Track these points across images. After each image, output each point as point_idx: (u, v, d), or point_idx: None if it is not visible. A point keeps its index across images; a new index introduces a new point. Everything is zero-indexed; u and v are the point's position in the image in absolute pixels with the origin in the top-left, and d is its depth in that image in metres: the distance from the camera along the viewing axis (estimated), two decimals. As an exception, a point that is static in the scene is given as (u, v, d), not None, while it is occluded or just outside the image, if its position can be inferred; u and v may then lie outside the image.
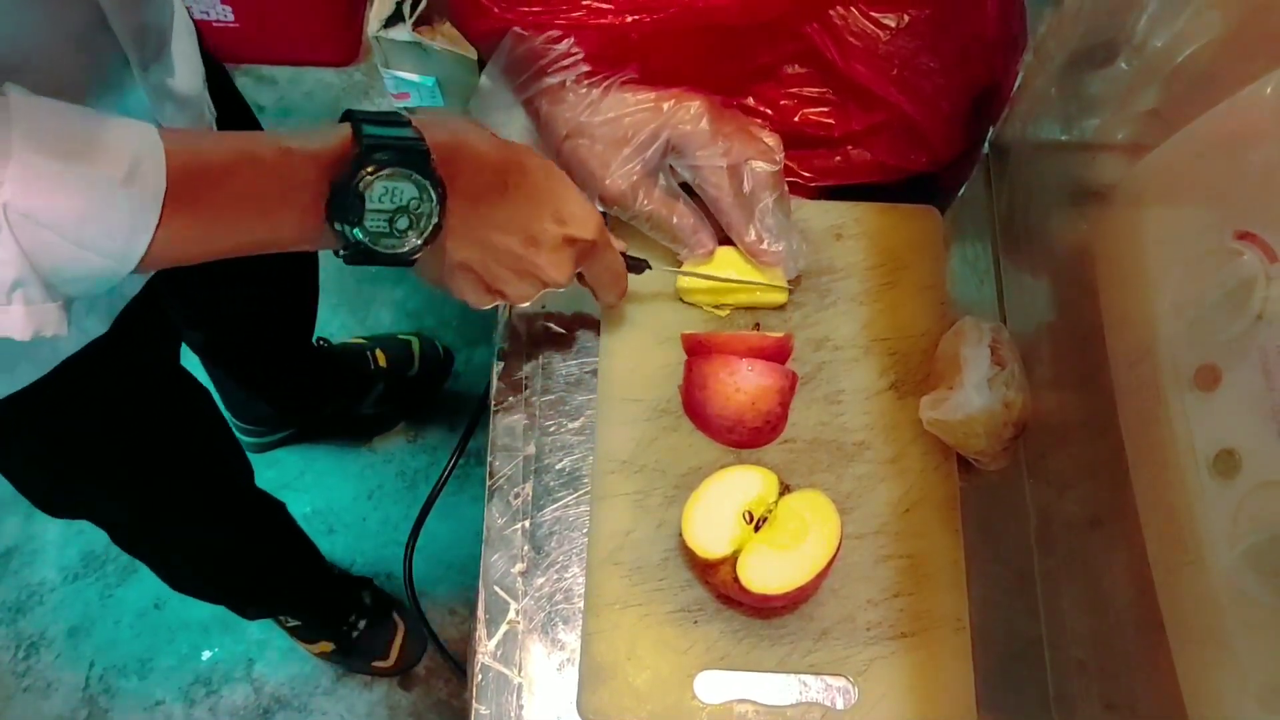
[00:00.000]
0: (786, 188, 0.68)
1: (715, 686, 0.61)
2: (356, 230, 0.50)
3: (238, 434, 1.53)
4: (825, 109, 0.67)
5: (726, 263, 0.69)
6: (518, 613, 0.64)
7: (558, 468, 0.68)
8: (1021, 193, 0.74)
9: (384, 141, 0.50)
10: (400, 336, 1.57)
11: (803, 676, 0.62)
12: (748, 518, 0.61)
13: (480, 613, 0.64)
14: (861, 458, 0.66)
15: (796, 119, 0.68)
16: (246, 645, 1.46)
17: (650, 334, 0.70)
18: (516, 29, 0.63)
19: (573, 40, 0.63)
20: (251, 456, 1.55)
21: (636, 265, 0.67)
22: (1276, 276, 0.52)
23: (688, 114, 0.65)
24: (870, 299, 0.71)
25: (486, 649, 0.64)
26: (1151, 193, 0.61)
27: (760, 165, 0.66)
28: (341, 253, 0.52)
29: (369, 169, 0.49)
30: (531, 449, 0.68)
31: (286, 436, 1.55)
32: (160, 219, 0.46)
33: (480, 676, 0.63)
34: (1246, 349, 0.52)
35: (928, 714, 0.61)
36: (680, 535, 0.62)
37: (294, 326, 1.27)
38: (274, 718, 1.43)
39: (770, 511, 0.61)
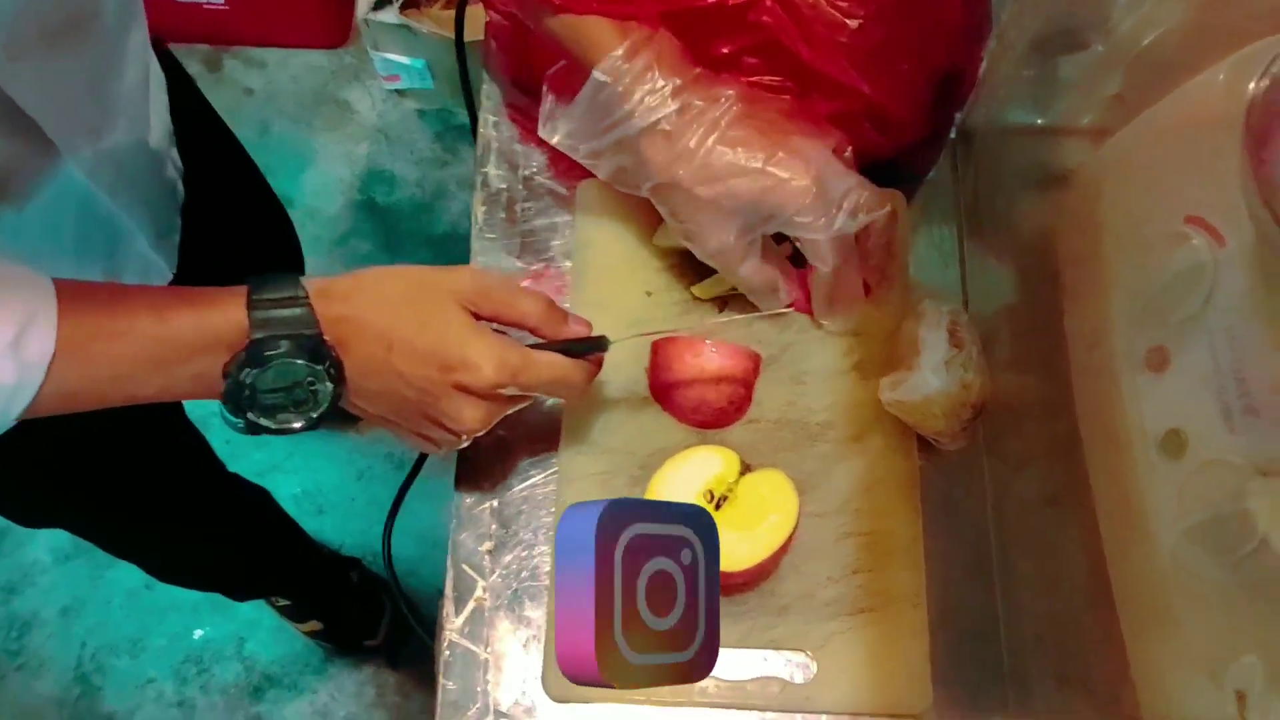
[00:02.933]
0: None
1: (678, 661, 0.62)
2: (251, 414, 0.53)
3: (226, 415, 1.54)
4: (786, 98, 0.67)
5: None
6: (485, 590, 0.66)
7: (526, 448, 0.69)
8: (987, 177, 0.75)
9: (275, 330, 0.52)
10: None
11: (763, 652, 0.63)
12: (709, 497, 0.62)
13: (448, 590, 0.66)
14: (824, 437, 0.67)
15: (759, 107, 0.68)
16: (237, 624, 1.48)
17: (619, 317, 0.71)
18: (598, 75, 0.60)
19: (665, 86, 0.60)
20: (240, 438, 1.57)
21: (596, 345, 0.61)
22: (1224, 261, 0.53)
23: (794, 191, 0.60)
24: (836, 282, 0.72)
25: (454, 626, 0.65)
26: (1110, 177, 0.62)
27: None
28: (240, 427, 0.54)
29: (260, 363, 0.51)
30: (501, 430, 0.69)
31: (275, 419, 1.56)
32: (45, 379, 0.48)
33: (448, 653, 0.64)
34: (1195, 332, 0.52)
35: (884, 687, 0.62)
36: (644, 514, 0.63)
37: None
38: (264, 696, 1.45)
39: (731, 490, 0.63)
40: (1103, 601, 0.57)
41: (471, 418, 0.57)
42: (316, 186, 1.75)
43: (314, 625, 1.43)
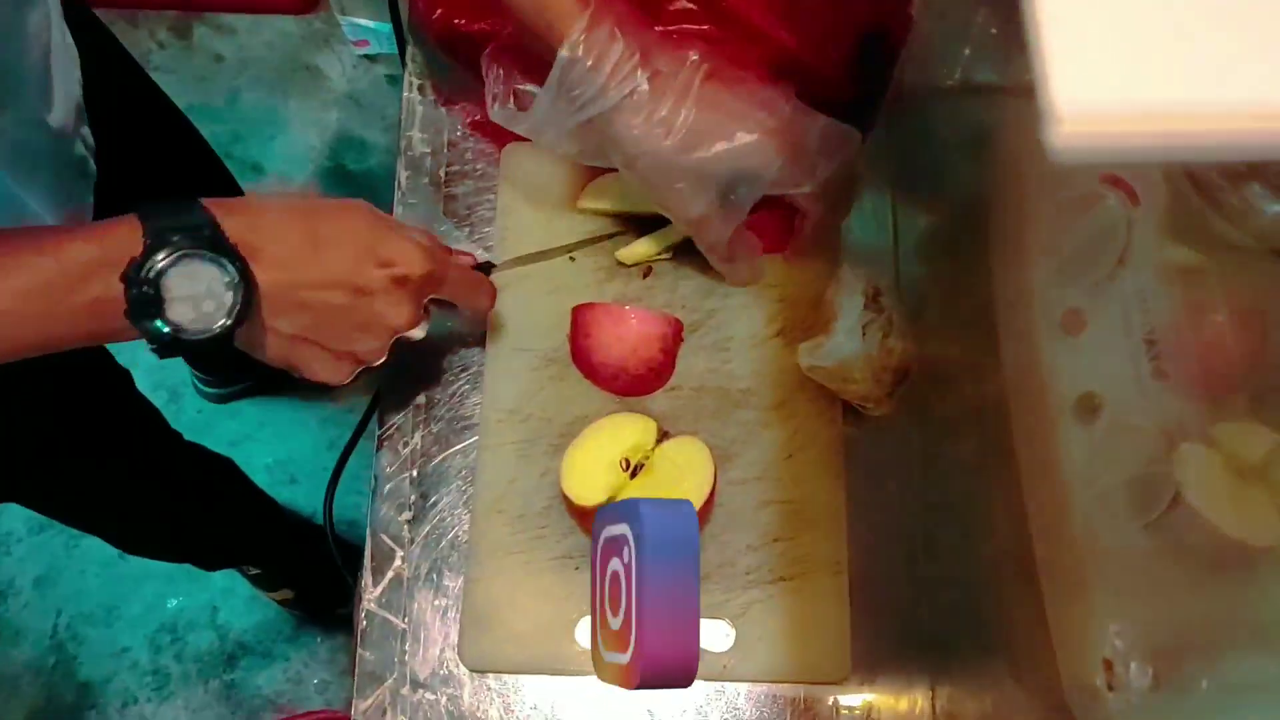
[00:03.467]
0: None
1: (595, 631, 0.62)
2: (159, 322, 0.49)
3: (198, 385, 1.54)
4: (710, 46, 0.65)
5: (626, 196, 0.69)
6: (403, 560, 0.65)
7: (448, 417, 0.68)
8: (920, 139, 0.73)
9: (171, 226, 0.49)
10: None
11: (682, 621, 0.62)
12: (624, 465, 0.61)
13: (367, 560, 0.65)
14: (747, 404, 0.66)
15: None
16: (211, 593, 1.48)
17: (541, 284, 0.69)
18: (564, 52, 0.56)
19: (634, 55, 0.58)
20: (212, 408, 1.57)
21: (485, 268, 0.66)
22: (1137, 220, 0.51)
23: (776, 146, 0.60)
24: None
25: (372, 595, 0.64)
26: (1035, 135, 0.60)
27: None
28: (153, 347, 0.51)
29: (159, 257, 0.48)
30: (421, 398, 0.69)
31: (247, 387, 1.56)
32: None
33: (365, 623, 0.64)
34: (1108, 294, 0.51)
35: (803, 656, 0.62)
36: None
37: None
38: (238, 663, 1.45)
39: (647, 459, 0.62)
40: (1026, 569, 0.57)
41: (405, 314, 0.56)
42: (287, 153, 1.73)
43: (285, 594, 1.43)
